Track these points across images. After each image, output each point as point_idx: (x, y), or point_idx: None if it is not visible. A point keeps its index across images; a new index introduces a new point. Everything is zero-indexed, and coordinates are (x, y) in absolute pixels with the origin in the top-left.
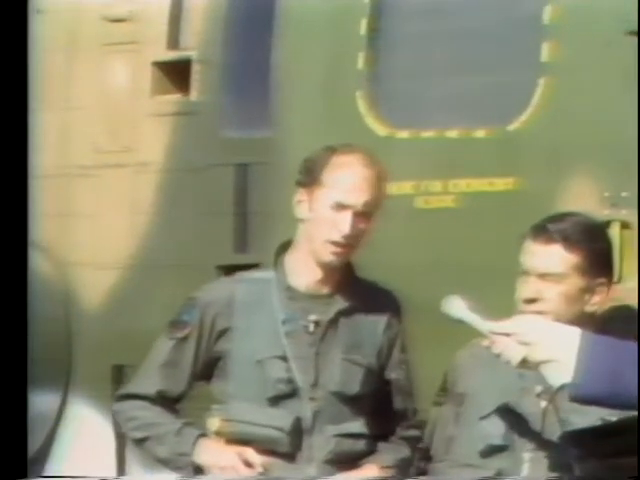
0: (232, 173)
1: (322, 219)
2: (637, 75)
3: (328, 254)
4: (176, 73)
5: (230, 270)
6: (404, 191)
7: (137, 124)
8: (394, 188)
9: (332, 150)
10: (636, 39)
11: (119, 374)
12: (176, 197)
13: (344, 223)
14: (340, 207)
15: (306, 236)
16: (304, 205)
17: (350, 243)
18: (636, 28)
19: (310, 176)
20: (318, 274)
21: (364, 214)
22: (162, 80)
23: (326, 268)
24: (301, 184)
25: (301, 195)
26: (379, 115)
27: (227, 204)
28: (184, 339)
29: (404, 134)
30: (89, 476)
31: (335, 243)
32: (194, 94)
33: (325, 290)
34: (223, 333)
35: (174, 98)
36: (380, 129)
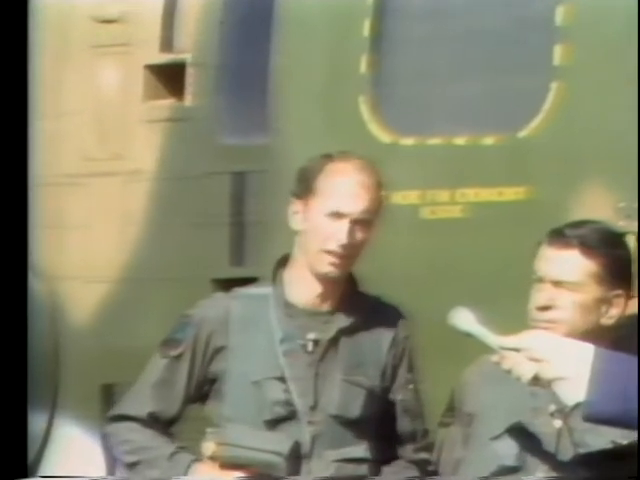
0: (228, 182)
1: (318, 229)
2: (637, 80)
3: (325, 265)
4: (170, 77)
5: (226, 284)
6: (409, 201)
7: (128, 130)
8: (399, 198)
9: (328, 158)
10: None
11: (108, 393)
12: (169, 207)
13: (341, 232)
14: (336, 216)
15: (302, 248)
16: (299, 216)
17: (348, 253)
18: None
19: (304, 185)
20: (317, 289)
21: (362, 222)
22: (155, 84)
23: (325, 281)
24: (295, 194)
25: (296, 206)
26: (383, 121)
27: (223, 214)
28: (177, 358)
29: (409, 141)
30: (90, 476)
31: (332, 253)
32: (189, 99)
33: (325, 306)
34: (218, 352)
35: (167, 103)
36: (384, 136)
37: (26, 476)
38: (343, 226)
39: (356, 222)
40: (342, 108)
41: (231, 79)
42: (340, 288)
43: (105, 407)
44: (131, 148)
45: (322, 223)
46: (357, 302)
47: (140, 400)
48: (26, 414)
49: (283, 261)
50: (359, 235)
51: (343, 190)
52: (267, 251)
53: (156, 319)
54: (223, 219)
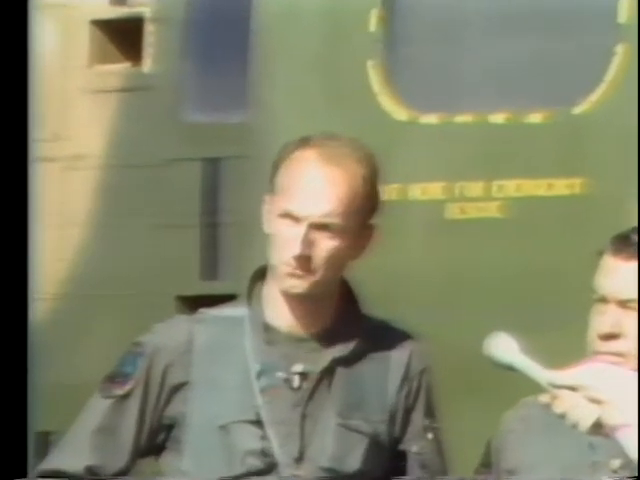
0: (198, 170)
1: (276, 234)
2: (637, 78)
3: (284, 279)
4: (123, 36)
5: (196, 302)
6: (431, 196)
7: (70, 103)
8: (417, 192)
9: (301, 142)
10: None
11: (44, 444)
12: (122, 203)
13: (294, 240)
14: (290, 219)
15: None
16: (266, 217)
17: (307, 267)
18: None
19: (272, 178)
20: (305, 308)
21: (328, 228)
22: (104, 45)
23: (300, 300)
24: (269, 190)
25: (266, 204)
26: (398, 93)
27: (192, 212)
28: (125, 398)
29: (431, 119)
30: (89, 476)
31: (289, 265)
32: (147, 64)
33: (315, 330)
34: (178, 390)
35: (120, 69)
36: (399, 112)
37: (26, 476)
38: (298, 232)
39: (318, 227)
40: (346, 76)
41: (201, 39)
42: (333, 307)
43: (39, 461)
44: (73, 126)
45: (278, 227)
46: (357, 326)
47: (77, 452)
48: (26, 414)
49: (261, 274)
50: (324, 244)
51: (300, 187)
52: (248, 261)
53: (105, 348)
54: (192, 219)
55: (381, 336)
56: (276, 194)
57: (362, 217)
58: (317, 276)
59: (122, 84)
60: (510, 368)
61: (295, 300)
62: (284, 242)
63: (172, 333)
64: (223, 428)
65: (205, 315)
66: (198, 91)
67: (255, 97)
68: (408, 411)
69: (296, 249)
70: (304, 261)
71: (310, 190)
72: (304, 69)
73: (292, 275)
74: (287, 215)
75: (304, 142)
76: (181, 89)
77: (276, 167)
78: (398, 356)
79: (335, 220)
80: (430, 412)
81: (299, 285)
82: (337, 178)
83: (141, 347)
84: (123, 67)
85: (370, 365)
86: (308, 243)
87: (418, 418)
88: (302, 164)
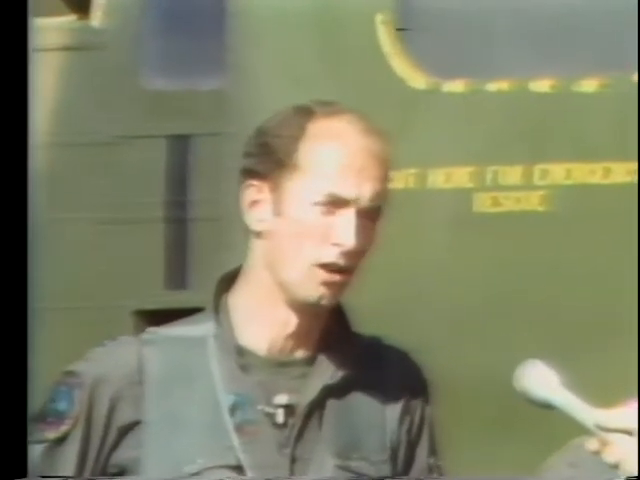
0: (163, 151)
1: (304, 227)
2: (637, 77)
3: (315, 288)
4: None
5: (159, 318)
6: (456, 183)
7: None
8: (439, 179)
9: (306, 112)
10: None
11: None
12: (67, 192)
13: (346, 230)
14: (335, 204)
15: (269, 260)
16: (264, 208)
17: (352, 264)
18: None
19: (271, 158)
20: (288, 326)
21: (371, 214)
22: None
23: (305, 314)
24: (255, 173)
25: (257, 191)
26: (414, 54)
27: (155, 204)
28: (60, 442)
29: (456, 86)
30: (91, 477)
31: (330, 267)
32: (98, 17)
33: (300, 353)
34: (128, 430)
35: (64, 23)
36: (415, 78)
37: (26, 476)
38: (348, 219)
39: (365, 213)
40: (349, 34)
41: None
42: (321, 324)
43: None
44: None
45: (310, 217)
46: (348, 346)
47: None
48: (26, 415)
49: (229, 281)
50: (369, 235)
51: (344, 162)
52: (224, 265)
53: (42, 376)
54: (154, 212)
55: (375, 358)
56: (298, 175)
57: (387, 200)
58: (352, 277)
59: (66, 41)
60: (547, 406)
61: (300, 315)
62: (323, 235)
63: (116, 359)
64: (195, 476)
65: (155, 335)
66: (162, 51)
67: (234, 59)
68: (411, 447)
69: (349, 241)
70: (354, 258)
71: (357, 166)
72: (297, 24)
73: (328, 283)
74: (330, 199)
75: (313, 111)
76: (141, 48)
77: (286, 143)
78: (396, 383)
79: (382, 203)
80: (434, 448)
81: (334, 293)
82: (378, 151)
83: (77, 378)
84: (67, 21)
85: (365, 393)
86: (359, 233)
87: (422, 456)
88: (338, 135)
